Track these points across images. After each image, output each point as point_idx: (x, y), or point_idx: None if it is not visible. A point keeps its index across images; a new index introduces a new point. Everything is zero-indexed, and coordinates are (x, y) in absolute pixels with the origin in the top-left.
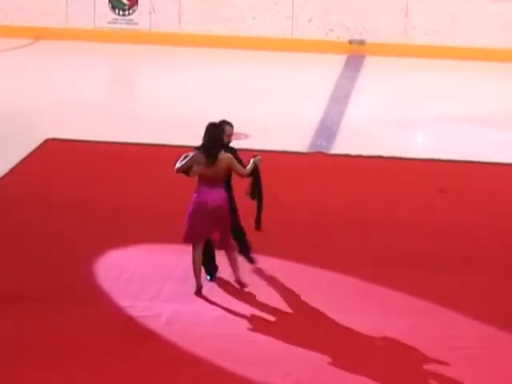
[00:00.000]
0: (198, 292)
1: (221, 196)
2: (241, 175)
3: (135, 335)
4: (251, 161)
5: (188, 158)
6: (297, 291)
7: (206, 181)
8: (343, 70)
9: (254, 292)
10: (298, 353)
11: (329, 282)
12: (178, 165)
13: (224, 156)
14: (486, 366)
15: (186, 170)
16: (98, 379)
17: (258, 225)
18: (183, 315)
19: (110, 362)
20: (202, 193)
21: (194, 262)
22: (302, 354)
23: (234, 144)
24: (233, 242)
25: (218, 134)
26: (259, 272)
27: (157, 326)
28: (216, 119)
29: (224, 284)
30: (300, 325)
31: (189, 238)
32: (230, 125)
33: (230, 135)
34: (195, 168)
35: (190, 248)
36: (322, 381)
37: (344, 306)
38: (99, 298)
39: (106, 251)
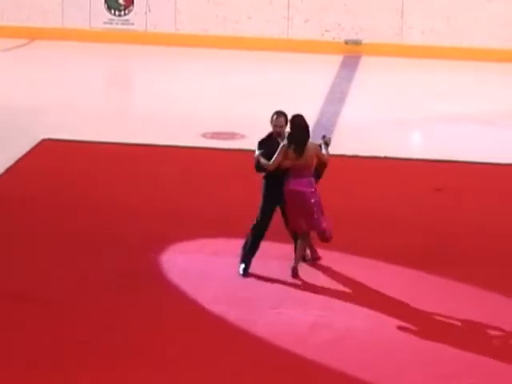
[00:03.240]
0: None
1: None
2: (325, 163)
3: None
4: (322, 143)
5: (278, 153)
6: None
7: (296, 172)
8: (339, 70)
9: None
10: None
11: (326, 279)
12: (264, 161)
13: (311, 145)
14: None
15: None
16: (98, 379)
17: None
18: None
19: (111, 361)
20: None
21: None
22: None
23: (230, 144)
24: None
25: (305, 124)
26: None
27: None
28: (212, 119)
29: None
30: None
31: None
32: (280, 115)
33: (281, 126)
34: (285, 162)
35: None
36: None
37: (343, 305)
38: (98, 298)
39: (104, 251)
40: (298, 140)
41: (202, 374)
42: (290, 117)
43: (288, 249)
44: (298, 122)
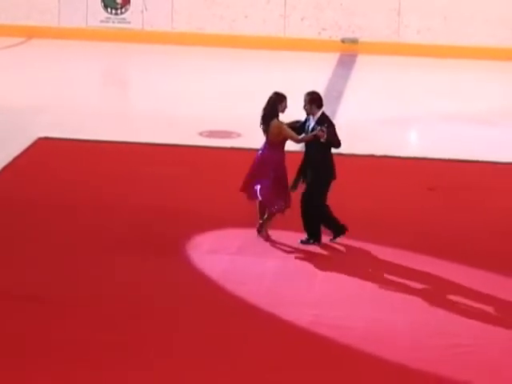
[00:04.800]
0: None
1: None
2: (293, 141)
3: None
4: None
5: None
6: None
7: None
8: (336, 68)
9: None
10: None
11: (323, 278)
12: None
13: (273, 123)
14: (480, 364)
15: None
16: (99, 379)
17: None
18: None
19: (110, 362)
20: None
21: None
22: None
23: (227, 143)
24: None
25: (272, 103)
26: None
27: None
28: (210, 117)
29: None
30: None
31: None
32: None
33: (304, 105)
34: None
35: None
36: None
37: (340, 303)
38: (98, 298)
39: (103, 249)
40: (261, 115)
41: (201, 375)
42: None
43: (288, 248)
44: (269, 98)
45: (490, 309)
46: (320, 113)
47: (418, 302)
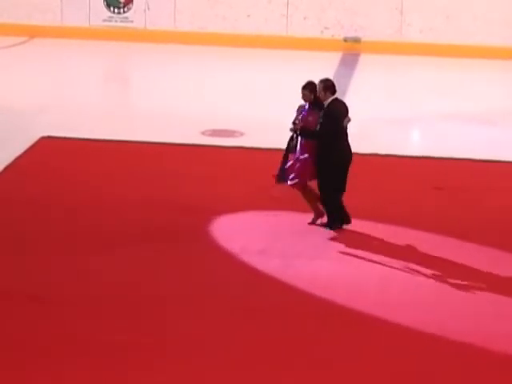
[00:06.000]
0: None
1: None
2: None
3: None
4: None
5: None
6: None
7: None
8: (338, 67)
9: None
10: None
11: (323, 278)
12: None
13: None
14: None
15: None
16: (97, 379)
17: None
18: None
19: (110, 362)
20: None
21: None
22: None
23: (230, 142)
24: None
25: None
26: None
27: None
28: (212, 116)
29: None
30: None
31: None
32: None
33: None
34: None
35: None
36: None
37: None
38: (99, 298)
39: (103, 248)
40: None
41: (201, 375)
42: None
43: (287, 247)
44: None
45: (490, 306)
46: (331, 99)
47: (421, 299)
